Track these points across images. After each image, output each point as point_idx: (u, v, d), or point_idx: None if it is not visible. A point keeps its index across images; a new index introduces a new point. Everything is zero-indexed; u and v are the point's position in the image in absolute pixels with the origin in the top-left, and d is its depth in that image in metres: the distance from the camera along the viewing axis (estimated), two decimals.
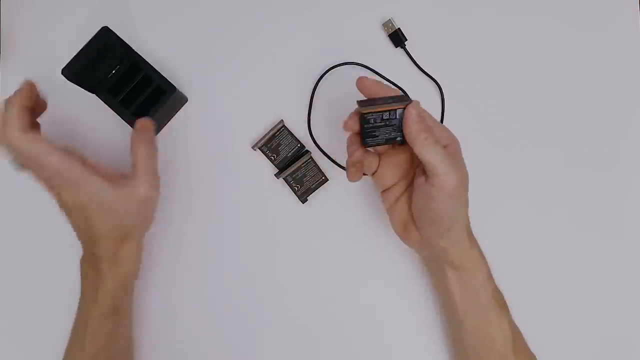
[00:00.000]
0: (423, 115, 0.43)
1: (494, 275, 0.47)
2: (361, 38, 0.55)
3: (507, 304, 0.47)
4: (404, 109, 0.42)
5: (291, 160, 0.54)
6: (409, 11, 0.55)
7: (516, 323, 0.47)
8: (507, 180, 0.54)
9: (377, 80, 0.45)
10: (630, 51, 0.55)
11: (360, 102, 0.43)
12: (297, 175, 0.53)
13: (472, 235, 0.46)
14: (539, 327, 0.51)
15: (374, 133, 0.43)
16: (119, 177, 0.45)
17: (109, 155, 0.55)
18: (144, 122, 0.48)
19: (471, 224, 0.53)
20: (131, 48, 0.51)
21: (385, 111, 0.42)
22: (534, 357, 0.47)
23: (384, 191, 0.48)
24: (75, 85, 0.50)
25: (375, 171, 0.47)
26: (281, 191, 0.54)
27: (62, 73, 0.49)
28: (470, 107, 0.54)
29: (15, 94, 0.43)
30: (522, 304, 0.51)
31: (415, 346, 0.52)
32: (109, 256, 0.45)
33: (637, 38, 0.55)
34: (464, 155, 0.55)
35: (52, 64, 0.51)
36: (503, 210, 0.53)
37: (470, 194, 0.53)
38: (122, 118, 0.52)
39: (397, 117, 0.42)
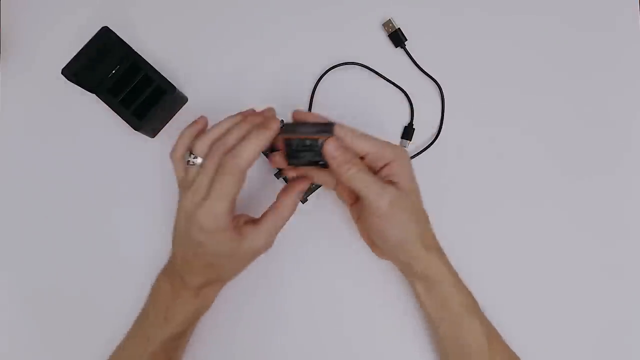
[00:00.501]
0: (349, 141, 0.42)
1: (494, 277, 0.47)
2: (361, 38, 0.55)
3: (480, 306, 0.47)
4: (326, 140, 0.42)
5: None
6: (409, 11, 0.55)
7: (517, 323, 0.47)
8: (507, 180, 0.54)
9: (310, 113, 0.46)
10: (630, 51, 0.55)
11: (285, 125, 0.44)
12: None
13: (433, 247, 0.46)
14: (539, 327, 0.52)
15: (297, 155, 0.44)
16: (245, 225, 0.44)
17: (109, 155, 0.55)
18: (305, 183, 0.46)
19: (471, 223, 0.53)
20: (131, 48, 0.51)
21: (305, 139, 0.42)
22: (514, 355, 0.47)
23: (350, 206, 0.50)
24: (75, 85, 0.50)
25: (336, 188, 0.49)
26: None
27: (62, 73, 0.49)
28: (470, 107, 0.54)
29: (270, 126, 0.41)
30: (521, 305, 0.52)
31: (410, 347, 0.52)
32: (195, 287, 0.45)
33: (637, 38, 0.55)
34: (462, 154, 0.55)
35: (52, 64, 0.51)
36: (502, 210, 0.53)
37: (470, 193, 0.53)
38: (122, 118, 0.52)
39: (319, 144, 0.42)
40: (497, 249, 0.53)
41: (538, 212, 0.53)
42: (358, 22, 0.55)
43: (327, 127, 0.43)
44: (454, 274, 0.46)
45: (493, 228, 0.53)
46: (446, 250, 0.48)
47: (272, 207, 0.45)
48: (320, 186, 0.53)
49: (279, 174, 0.53)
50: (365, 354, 0.52)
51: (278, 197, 0.45)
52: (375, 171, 0.44)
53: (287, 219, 0.45)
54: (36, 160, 0.55)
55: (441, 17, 0.55)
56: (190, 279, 0.44)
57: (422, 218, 0.46)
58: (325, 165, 0.44)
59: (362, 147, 0.43)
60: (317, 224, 0.54)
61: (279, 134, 0.43)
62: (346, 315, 0.53)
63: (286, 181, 0.53)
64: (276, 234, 0.45)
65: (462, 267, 0.49)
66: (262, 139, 0.41)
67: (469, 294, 0.47)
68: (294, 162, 0.45)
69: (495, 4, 0.55)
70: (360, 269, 0.53)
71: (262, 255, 0.53)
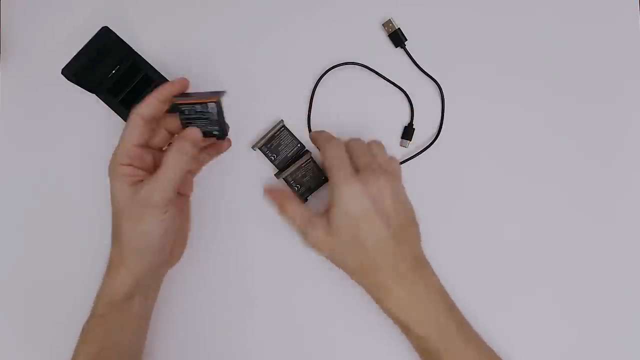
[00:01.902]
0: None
1: (496, 277, 0.46)
2: (361, 38, 0.55)
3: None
4: (215, 102, 0.44)
5: (291, 160, 0.54)
6: (409, 11, 0.55)
7: (522, 323, 0.47)
8: (508, 180, 0.54)
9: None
10: (630, 51, 0.55)
11: (175, 97, 0.46)
12: (297, 175, 0.53)
13: (402, 277, 0.45)
14: (542, 329, 0.52)
15: (191, 124, 0.46)
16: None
17: (109, 156, 0.55)
18: (191, 133, 0.45)
19: (472, 222, 0.53)
20: (131, 48, 0.51)
21: (195, 103, 0.44)
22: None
23: None
24: (75, 85, 0.50)
25: None
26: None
27: (62, 73, 0.49)
28: (470, 107, 0.54)
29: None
30: (527, 304, 0.52)
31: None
32: (114, 258, 0.46)
33: (637, 38, 0.55)
34: (462, 154, 0.55)
35: (52, 64, 0.51)
36: (503, 210, 0.53)
37: (470, 193, 0.53)
38: (122, 118, 0.52)
39: (210, 110, 0.44)
40: (499, 249, 0.53)
41: (539, 212, 0.53)
42: (358, 22, 0.55)
43: (214, 92, 0.45)
44: (408, 308, 0.45)
45: (494, 228, 0.53)
46: (447, 251, 0.47)
47: (163, 159, 0.44)
48: (319, 187, 0.53)
49: (279, 174, 0.53)
50: (361, 351, 0.52)
51: (168, 148, 0.45)
52: None
53: (181, 169, 0.44)
54: (36, 160, 0.55)
55: (441, 17, 0.55)
56: (111, 250, 0.46)
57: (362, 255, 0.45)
58: (220, 136, 0.46)
59: None
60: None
61: (173, 97, 0.46)
62: (344, 314, 0.53)
63: (287, 182, 0.53)
64: (171, 187, 0.44)
65: (463, 267, 0.49)
66: (160, 90, 0.45)
67: (449, 317, 0.45)
68: None
69: (496, 4, 0.55)
70: None
71: (262, 255, 0.53)
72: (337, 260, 0.46)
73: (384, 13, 0.55)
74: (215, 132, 0.46)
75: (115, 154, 0.45)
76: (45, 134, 0.56)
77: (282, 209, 0.48)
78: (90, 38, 0.49)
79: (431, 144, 0.54)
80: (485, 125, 0.54)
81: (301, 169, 0.53)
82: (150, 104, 0.45)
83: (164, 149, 0.49)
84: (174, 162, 0.44)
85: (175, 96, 0.46)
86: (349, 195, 0.44)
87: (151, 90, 0.51)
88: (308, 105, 0.55)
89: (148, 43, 0.55)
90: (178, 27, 0.56)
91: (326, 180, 0.53)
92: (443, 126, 0.54)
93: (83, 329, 0.46)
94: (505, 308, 0.51)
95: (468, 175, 0.54)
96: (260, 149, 0.54)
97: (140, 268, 0.46)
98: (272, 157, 0.54)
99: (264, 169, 0.54)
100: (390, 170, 0.46)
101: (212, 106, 0.44)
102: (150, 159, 0.47)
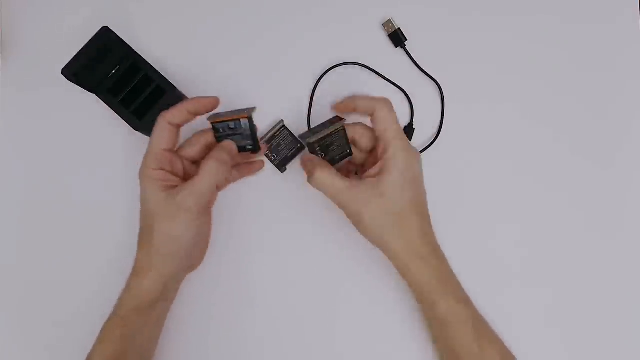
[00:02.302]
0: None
1: (496, 277, 0.46)
2: (361, 38, 0.55)
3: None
4: (247, 118, 0.46)
5: (291, 160, 0.54)
6: (409, 11, 0.55)
7: (523, 324, 0.47)
8: (507, 180, 0.54)
9: (348, 98, 0.49)
10: (630, 51, 0.55)
11: (210, 116, 0.48)
12: (326, 142, 0.50)
13: (424, 253, 0.45)
14: (540, 330, 0.52)
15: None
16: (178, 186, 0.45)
17: (109, 155, 0.55)
18: (228, 144, 0.47)
19: (472, 222, 0.53)
20: (131, 48, 0.51)
21: (228, 121, 0.47)
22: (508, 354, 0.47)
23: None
24: (75, 85, 0.50)
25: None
26: (281, 191, 0.54)
27: (62, 73, 0.49)
28: (470, 107, 0.54)
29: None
30: (529, 304, 0.51)
31: (403, 327, 0.52)
32: (140, 261, 0.46)
33: (637, 38, 0.55)
34: (462, 154, 0.55)
35: (52, 64, 0.51)
36: (503, 210, 0.53)
37: (470, 193, 0.53)
38: (122, 118, 0.52)
39: (242, 126, 0.47)
40: (498, 250, 0.53)
41: (539, 212, 0.53)
42: (358, 22, 0.55)
43: (243, 109, 0.47)
44: (440, 279, 0.45)
45: (494, 228, 0.53)
46: (445, 251, 0.47)
47: (200, 167, 0.45)
48: (343, 160, 0.51)
49: (280, 165, 0.53)
50: (358, 338, 0.52)
51: (205, 159, 0.46)
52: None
53: (219, 176, 0.45)
54: (36, 160, 0.55)
55: (441, 17, 0.55)
56: (138, 253, 0.46)
57: (407, 221, 0.45)
58: (254, 150, 0.48)
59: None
60: (318, 222, 0.54)
61: (208, 118, 0.48)
62: (346, 310, 0.53)
63: (312, 148, 0.49)
64: (208, 193, 0.45)
65: (463, 267, 0.49)
66: (190, 102, 0.46)
67: (457, 299, 0.46)
68: None
69: (495, 4, 0.55)
70: (359, 265, 0.53)
71: (263, 253, 0.53)
72: (372, 225, 0.46)
73: (384, 13, 0.55)
74: (249, 146, 0.48)
75: (145, 159, 0.45)
76: (45, 134, 0.56)
77: (315, 173, 0.46)
78: (90, 38, 0.49)
79: (431, 144, 0.54)
80: (485, 125, 0.54)
81: (331, 137, 0.49)
82: (180, 113, 0.46)
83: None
84: (210, 169, 0.44)
85: (209, 116, 0.47)
86: (413, 162, 0.46)
87: (151, 92, 0.52)
88: (308, 105, 0.55)
89: (148, 43, 0.55)
90: (178, 27, 0.56)
91: (349, 154, 0.50)
92: (443, 126, 0.54)
93: (103, 328, 0.45)
94: (503, 308, 0.51)
95: (468, 175, 0.54)
96: None
97: (169, 272, 0.46)
98: (272, 157, 0.54)
99: (263, 168, 0.54)
100: None
101: (244, 122, 0.46)
102: (180, 166, 0.47)
